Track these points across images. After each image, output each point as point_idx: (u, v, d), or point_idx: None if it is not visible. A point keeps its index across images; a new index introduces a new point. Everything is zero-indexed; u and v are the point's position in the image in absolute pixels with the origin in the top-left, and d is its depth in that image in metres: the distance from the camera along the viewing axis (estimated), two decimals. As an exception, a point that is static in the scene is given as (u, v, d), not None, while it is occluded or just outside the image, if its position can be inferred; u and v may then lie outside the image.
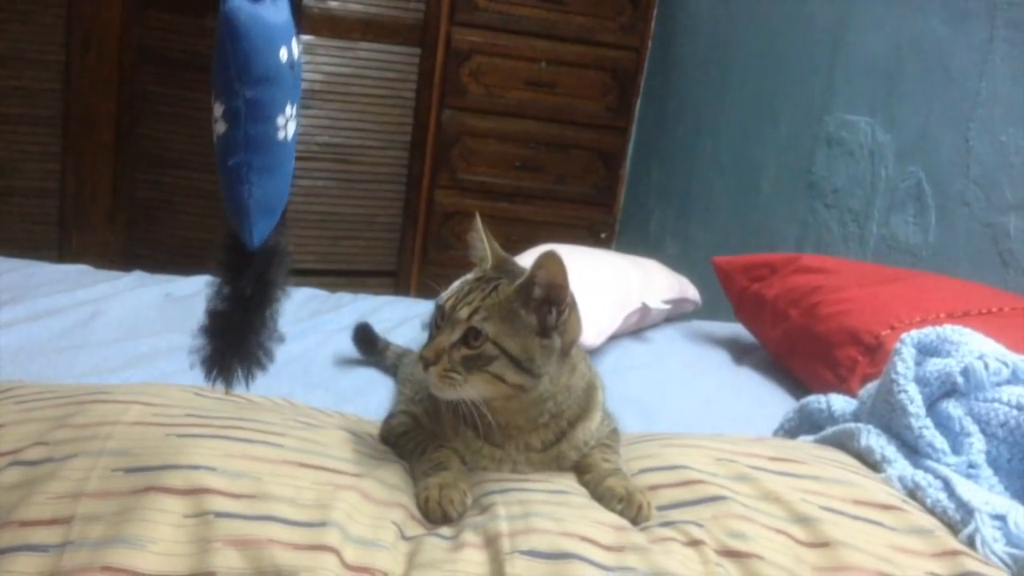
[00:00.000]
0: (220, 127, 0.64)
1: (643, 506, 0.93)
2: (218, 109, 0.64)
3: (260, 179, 0.68)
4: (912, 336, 1.21)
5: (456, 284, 1.03)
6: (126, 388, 1.01)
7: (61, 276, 2.05)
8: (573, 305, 1.01)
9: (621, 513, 0.93)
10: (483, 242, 1.06)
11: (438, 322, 1.00)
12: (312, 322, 2.00)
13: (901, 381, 1.16)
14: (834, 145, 2.56)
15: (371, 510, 0.86)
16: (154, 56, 3.27)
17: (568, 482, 1.00)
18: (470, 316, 0.96)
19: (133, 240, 3.41)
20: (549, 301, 0.98)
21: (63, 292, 1.90)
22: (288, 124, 0.69)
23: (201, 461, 0.84)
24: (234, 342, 0.67)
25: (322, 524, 0.80)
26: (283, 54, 0.65)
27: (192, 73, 3.25)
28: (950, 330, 1.22)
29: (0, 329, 1.64)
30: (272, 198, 0.71)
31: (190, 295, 2.07)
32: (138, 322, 1.84)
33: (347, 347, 1.84)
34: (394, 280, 3.64)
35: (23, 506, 0.79)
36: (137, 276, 2.15)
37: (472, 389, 0.96)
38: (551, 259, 0.95)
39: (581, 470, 1.03)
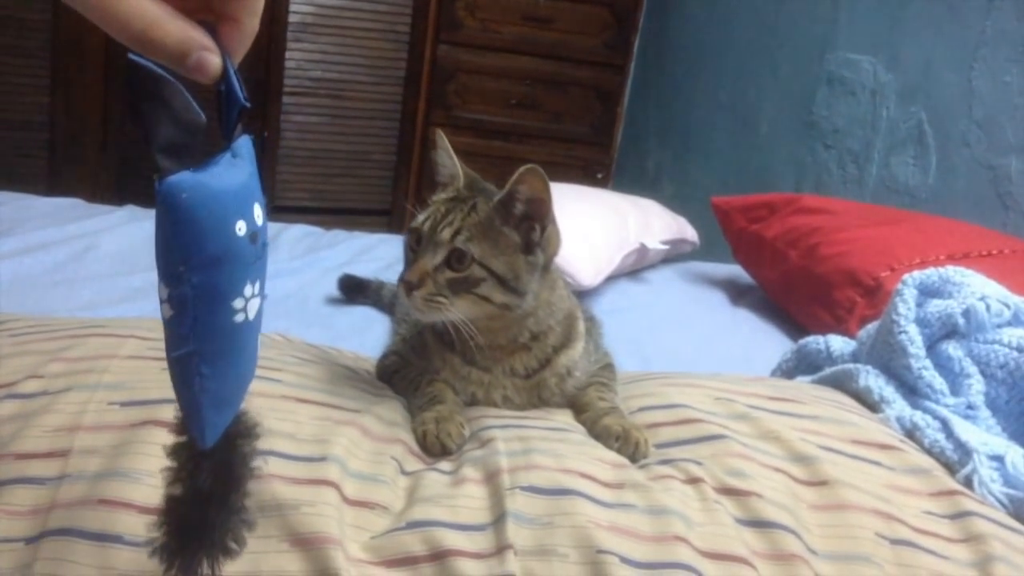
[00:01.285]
0: (165, 312, 0.53)
1: (640, 443, 0.93)
2: (163, 291, 0.52)
3: (213, 370, 0.55)
4: (914, 277, 1.21)
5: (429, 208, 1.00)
6: (121, 322, 0.99)
7: (53, 209, 2.03)
8: (553, 221, 0.99)
9: (619, 451, 0.93)
10: (451, 159, 1.03)
11: (413, 246, 0.97)
12: (307, 259, 1.98)
13: (902, 322, 1.16)
14: (835, 84, 2.53)
15: (370, 446, 0.85)
16: (144, -14, 3.21)
17: (566, 419, 1.01)
18: (453, 237, 0.95)
19: (124, 174, 3.37)
20: (531, 216, 0.97)
21: (55, 226, 1.88)
22: (248, 305, 0.56)
23: None
24: (195, 536, 0.54)
25: (322, 459, 0.80)
26: (240, 227, 0.53)
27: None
28: (952, 271, 1.21)
29: (-7, 262, 1.62)
30: (229, 389, 0.57)
31: (183, 230, 2.05)
32: (132, 256, 1.82)
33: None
34: (388, 219, 3.62)
35: (19, 439, 0.78)
36: (130, 210, 2.12)
37: (458, 311, 0.95)
38: (532, 173, 0.93)
39: (578, 408, 1.03)
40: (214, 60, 0.50)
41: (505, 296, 0.96)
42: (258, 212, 0.56)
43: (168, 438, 0.77)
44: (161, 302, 0.53)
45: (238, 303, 0.55)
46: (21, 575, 0.70)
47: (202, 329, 0.53)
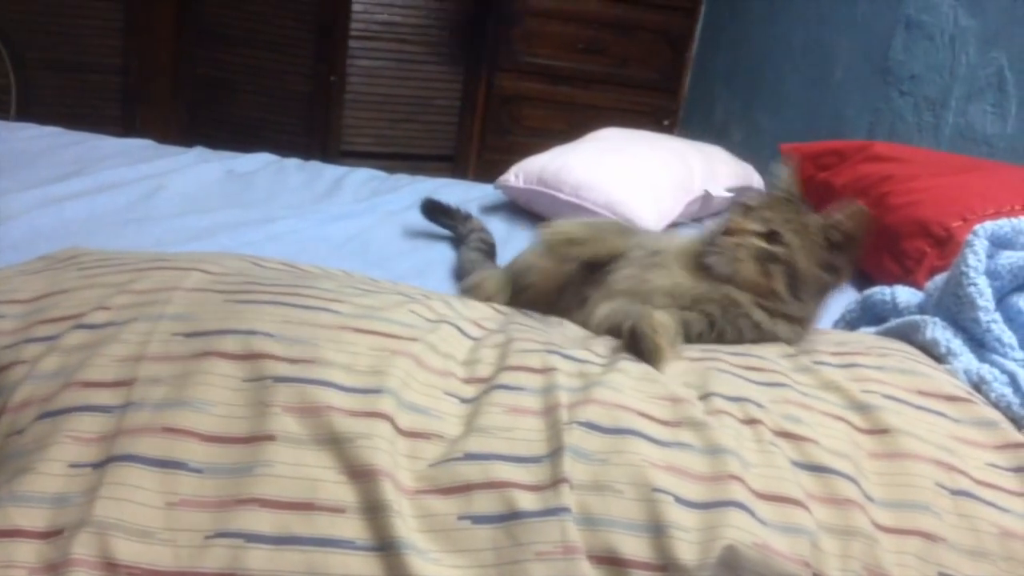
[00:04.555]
0: None
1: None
2: None
3: None
4: (986, 227, 1.17)
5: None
6: (186, 256, 1.01)
7: (124, 149, 2.07)
8: (855, 261, 1.11)
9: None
10: (792, 180, 1.15)
11: (741, 212, 1.10)
12: (370, 202, 2.00)
13: (971, 274, 1.13)
14: (913, 29, 2.44)
15: (425, 376, 0.86)
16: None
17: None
18: (778, 221, 1.07)
19: (196, 117, 3.43)
20: (841, 247, 1.08)
21: (126, 166, 1.92)
22: None
23: (259, 327, 0.84)
24: None
25: (377, 391, 0.81)
26: None
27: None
28: (1026, 222, 1.17)
29: (67, 201, 1.66)
30: None
31: (251, 172, 2.08)
32: (200, 197, 1.85)
33: (406, 227, 1.84)
34: (452, 165, 3.62)
35: (86, 367, 0.80)
36: (199, 152, 2.16)
37: (742, 272, 1.06)
38: (860, 214, 1.07)
39: None
40: None
41: (783, 287, 1.06)
42: None
43: (228, 368, 0.80)
44: None
45: None
46: (87, 499, 0.73)
47: None
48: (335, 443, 0.77)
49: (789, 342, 1.09)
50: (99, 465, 0.75)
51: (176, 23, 3.32)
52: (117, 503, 0.72)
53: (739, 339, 1.07)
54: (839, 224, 1.07)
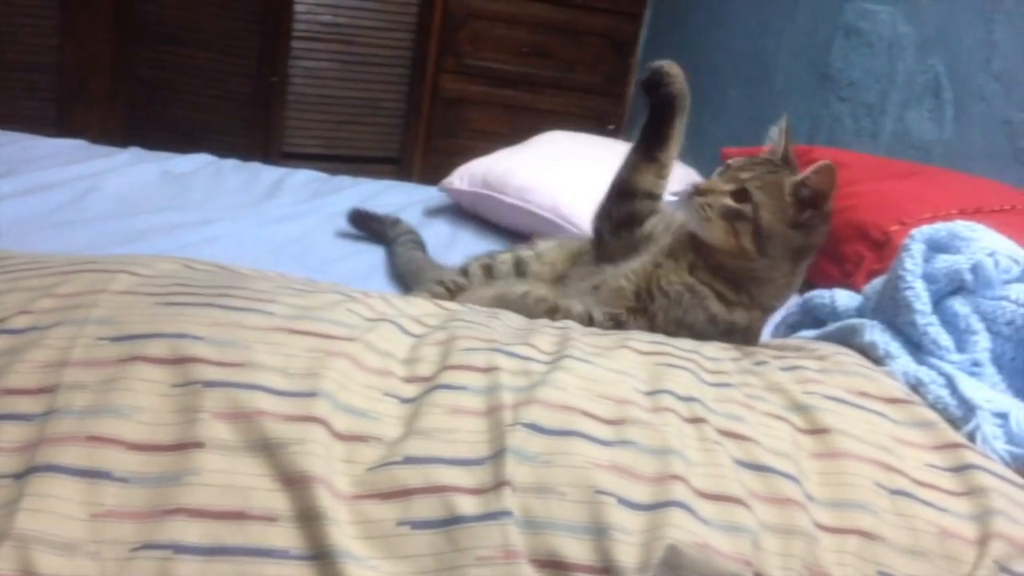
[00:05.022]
0: None
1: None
2: None
3: None
4: (923, 231, 1.18)
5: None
6: (114, 258, 0.98)
7: (57, 150, 2.02)
8: (827, 220, 1.15)
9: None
10: (782, 139, 1.20)
11: (720, 171, 1.17)
12: (311, 204, 1.97)
13: (908, 277, 1.14)
14: (852, 36, 2.48)
15: (363, 377, 0.84)
16: (153, -74, 3.17)
17: (578, 343, 0.98)
18: (748, 180, 1.12)
19: (134, 118, 3.36)
20: (809, 203, 1.12)
21: (59, 166, 1.88)
22: None
23: (188, 330, 0.82)
24: None
25: (311, 394, 0.79)
26: None
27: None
28: (962, 226, 1.18)
29: (-4, 202, 1.61)
30: None
31: (188, 173, 2.04)
32: (134, 199, 1.81)
33: (348, 230, 1.82)
34: (397, 167, 3.60)
35: (8, 374, 0.77)
36: (134, 152, 2.11)
37: (711, 230, 1.13)
38: (828, 170, 1.10)
39: None
40: None
41: (750, 244, 1.12)
42: None
43: (155, 373, 0.77)
44: None
45: None
46: (8, 511, 0.70)
47: None
48: (267, 449, 0.75)
49: (747, 330, 1.14)
50: (20, 476, 0.71)
51: (115, 22, 3.24)
52: (39, 515, 0.69)
53: (693, 326, 1.12)
54: (807, 180, 1.11)
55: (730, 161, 1.19)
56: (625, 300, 1.17)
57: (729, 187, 1.13)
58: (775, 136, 1.22)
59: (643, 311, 1.15)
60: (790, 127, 1.21)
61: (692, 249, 1.17)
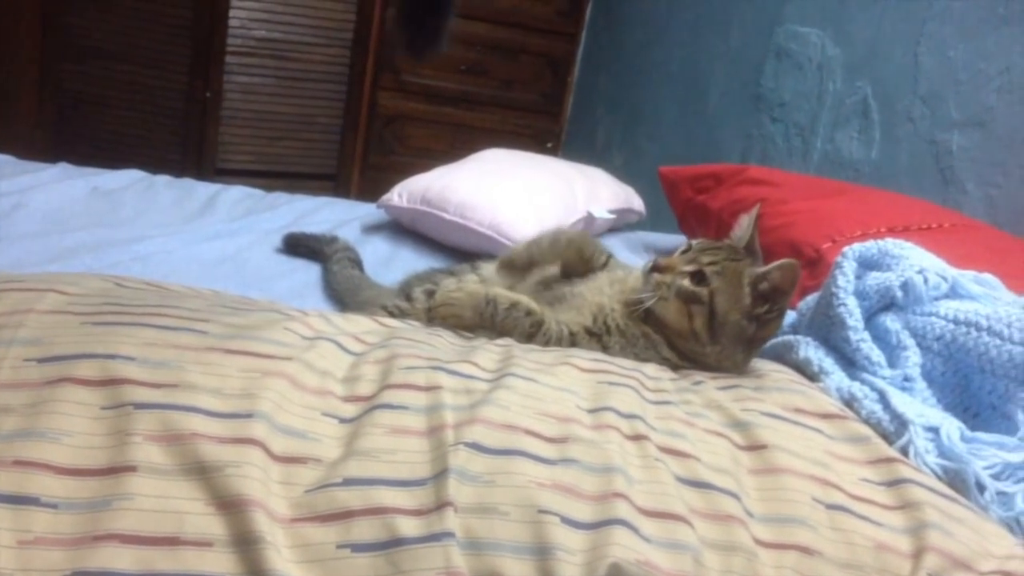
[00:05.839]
0: None
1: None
2: None
3: None
4: (854, 249, 1.21)
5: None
6: (41, 276, 0.95)
7: (-20, 165, 1.95)
8: (782, 315, 1.15)
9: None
10: (750, 228, 1.19)
11: (683, 250, 1.16)
12: (246, 221, 1.94)
13: (841, 294, 1.16)
14: (783, 58, 2.53)
15: (301, 397, 0.83)
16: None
17: (520, 360, 0.98)
18: (709, 264, 1.12)
19: (61, 133, 3.28)
20: (767, 298, 1.11)
21: (-17, 182, 1.81)
22: None
23: (119, 350, 0.79)
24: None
25: (247, 415, 0.77)
26: None
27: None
28: (892, 244, 1.21)
29: (-86, 219, 1.56)
30: None
31: (118, 189, 1.99)
32: (62, 215, 1.76)
33: (284, 248, 1.80)
34: (334, 184, 3.57)
35: None
36: (63, 168, 2.06)
37: (665, 309, 1.12)
38: (791, 269, 1.09)
39: None
40: None
41: (702, 328, 1.11)
42: None
43: (85, 395, 0.75)
44: None
45: None
46: None
47: None
48: (202, 473, 0.73)
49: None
50: None
51: (41, 36, 3.16)
52: (-37, 544, 0.67)
53: (647, 362, 1.12)
54: (768, 275, 1.09)
55: (693, 242, 1.18)
56: (583, 319, 1.17)
57: (689, 268, 1.12)
58: (744, 224, 1.21)
59: (597, 337, 1.15)
60: (759, 217, 1.21)
61: (647, 321, 1.15)
